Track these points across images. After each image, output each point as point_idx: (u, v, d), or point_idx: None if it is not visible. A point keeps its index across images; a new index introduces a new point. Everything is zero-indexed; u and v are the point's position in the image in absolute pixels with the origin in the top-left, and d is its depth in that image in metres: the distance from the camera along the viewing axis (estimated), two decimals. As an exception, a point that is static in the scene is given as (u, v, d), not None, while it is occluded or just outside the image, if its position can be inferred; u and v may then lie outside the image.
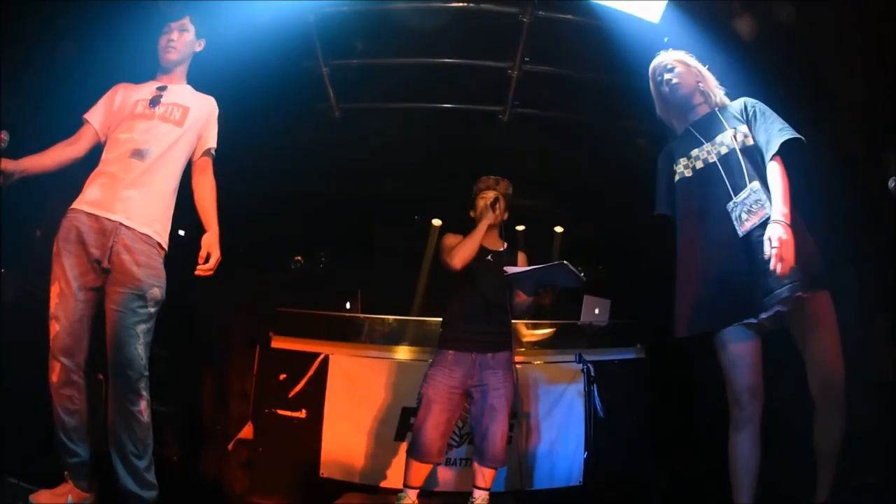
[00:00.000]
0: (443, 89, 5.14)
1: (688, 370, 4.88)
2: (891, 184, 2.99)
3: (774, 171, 2.73)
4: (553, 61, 4.68)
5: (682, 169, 3.03)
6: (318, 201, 6.24)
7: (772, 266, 2.53)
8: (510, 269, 3.80)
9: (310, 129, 5.33)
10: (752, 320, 2.74)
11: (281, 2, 3.99)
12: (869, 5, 3.25)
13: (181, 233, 3.17)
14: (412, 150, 5.85)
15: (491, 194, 4.09)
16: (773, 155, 2.74)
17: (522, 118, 5.19)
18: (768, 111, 2.89)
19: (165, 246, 2.98)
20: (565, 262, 3.62)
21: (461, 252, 3.89)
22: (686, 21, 3.60)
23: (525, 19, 4.20)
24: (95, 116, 3.08)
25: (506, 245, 4.16)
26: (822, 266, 2.69)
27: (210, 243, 3.00)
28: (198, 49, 3.25)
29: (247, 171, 4.91)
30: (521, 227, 6.30)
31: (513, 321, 4.11)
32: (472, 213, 4.20)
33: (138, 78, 3.18)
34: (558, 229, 6.54)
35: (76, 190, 2.92)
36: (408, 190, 6.33)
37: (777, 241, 2.53)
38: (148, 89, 3.11)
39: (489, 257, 4.00)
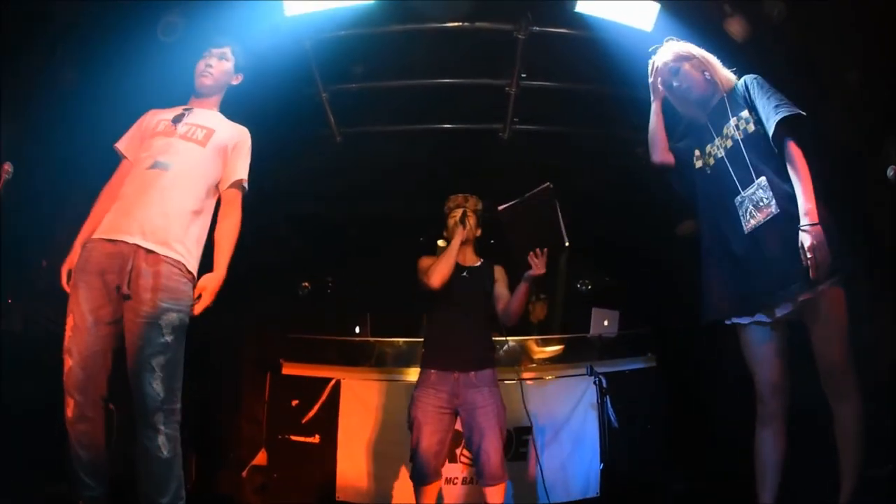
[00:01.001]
0: (442, 110, 5.18)
1: (699, 376, 4.87)
2: (889, 172, 2.98)
3: (789, 160, 2.66)
4: (550, 76, 4.72)
5: (700, 162, 3.04)
6: (322, 226, 6.27)
7: (811, 275, 2.50)
8: (501, 207, 3.74)
9: (313, 155, 5.37)
10: (766, 318, 2.76)
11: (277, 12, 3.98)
12: (867, 4, 3.27)
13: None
14: (415, 172, 5.89)
15: (460, 212, 4.08)
16: (784, 136, 2.67)
17: (523, 135, 5.23)
18: (765, 86, 2.82)
19: (192, 269, 2.80)
20: (549, 184, 3.60)
21: (438, 270, 3.83)
22: (679, 27, 3.63)
23: (520, 36, 4.23)
24: (124, 143, 3.02)
25: (482, 260, 4.14)
26: (835, 256, 2.57)
27: (206, 286, 2.79)
28: (235, 82, 3.19)
29: (251, 198, 4.94)
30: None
31: (494, 338, 4.09)
32: (444, 234, 4.17)
33: (141, 104, 3.14)
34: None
35: (81, 218, 2.85)
36: (412, 211, 6.36)
37: (808, 250, 2.50)
38: (175, 111, 3.03)
39: (465, 273, 3.97)
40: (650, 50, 3.15)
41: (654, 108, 3.16)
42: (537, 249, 3.74)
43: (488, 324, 4.01)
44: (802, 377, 2.74)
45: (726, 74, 3.00)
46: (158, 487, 2.59)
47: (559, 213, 3.61)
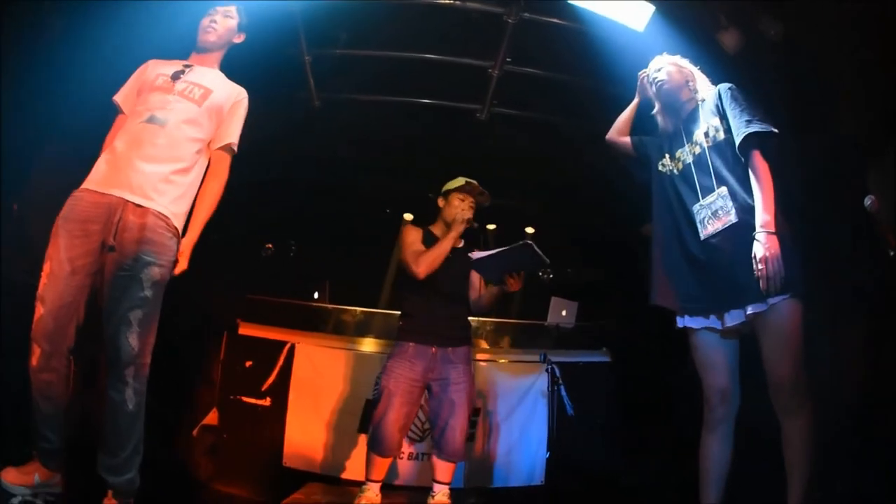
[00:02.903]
0: (423, 84, 5.15)
1: (653, 373, 4.96)
2: (867, 202, 3.02)
3: (753, 171, 2.70)
4: (535, 63, 4.72)
5: (668, 166, 3.06)
6: (291, 190, 6.20)
7: (762, 286, 2.55)
8: (475, 255, 3.83)
9: (288, 118, 5.28)
10: (717, 326, 2.80)
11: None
12: (865, 6, 3.29)
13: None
14: (389, 144, 5.86)
15: (470, 203, 4.07)
16: (751, 149, 2.72)
17: (500, 118, 5.23)
18: (740, 97, 2.85)
19: (178, 226, 2.82)
20: (530, 241, 3.58)
21: (429, 263, 3.83)
22: (671, 32, 3.66)
23: (510, 20, 4.23)
24: (121, 97, 3.01)
25: (462, 242, 4.16)
26: (790, 272, 2.59)
27: (182, 250, 2.83)
28: (237, 41, 3.20)
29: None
30: (492, 227, 6.34)
31: (471, 318, 4.16)
32: (440, 202, 4.17)
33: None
34: (529, 230, 6.59)
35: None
36: (382, 183, 6.33)
37: (760, 261, 2.55)
38: (175, 66, 3.02)
39: (449, 254, 3.96)
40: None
41: (633, 103, 3.29)
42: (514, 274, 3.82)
43: (466, 302, 4.10)
44: (754, 387, 2.78)
45: (709, 90, 3.05)
46: (119, 440, 2.63)
47: (541, 254, 3.60)
